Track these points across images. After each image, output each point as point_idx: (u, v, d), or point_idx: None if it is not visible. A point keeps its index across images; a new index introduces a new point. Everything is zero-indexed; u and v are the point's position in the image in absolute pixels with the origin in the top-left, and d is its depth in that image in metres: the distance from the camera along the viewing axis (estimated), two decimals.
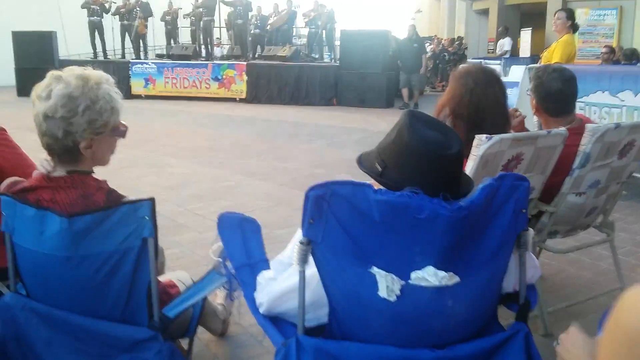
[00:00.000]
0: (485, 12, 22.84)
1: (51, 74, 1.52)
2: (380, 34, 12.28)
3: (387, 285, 1.22)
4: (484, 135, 1.90)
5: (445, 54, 18.96)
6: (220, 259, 1.66)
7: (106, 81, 1.58)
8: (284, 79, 12.66)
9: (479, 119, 2.02)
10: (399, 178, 1.25)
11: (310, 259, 1.28)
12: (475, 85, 2.03)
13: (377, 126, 8.82)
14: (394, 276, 1.21)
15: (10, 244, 1.57)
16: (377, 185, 1.25)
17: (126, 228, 1.48)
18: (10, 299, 1.60)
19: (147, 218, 1.49)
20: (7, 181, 1.66)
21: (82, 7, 14.18)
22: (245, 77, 12.80)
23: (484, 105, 2.03)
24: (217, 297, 2.31)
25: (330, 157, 6.43)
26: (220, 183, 5.16)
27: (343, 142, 7.43)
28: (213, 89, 13.03)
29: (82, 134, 1.48)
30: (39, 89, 1.50)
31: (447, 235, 1.17)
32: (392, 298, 1.22)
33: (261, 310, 1.43)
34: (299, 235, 1.48)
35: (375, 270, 1.21)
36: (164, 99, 12.75)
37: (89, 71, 1.56)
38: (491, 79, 2.09)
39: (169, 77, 13.28)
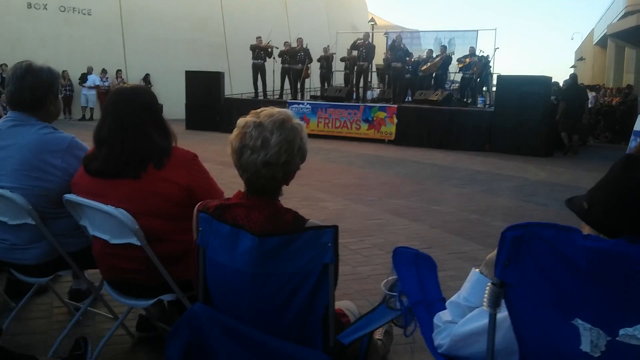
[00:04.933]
0: None
1: (245, 122, 1.61)
2: (540, 80, 11.70)
3: (591, 340, 1.11)
4: None
5: (612, 103, 17.51)
6: (395, 293, 1.64)
7: (292, 116, 1.68)
8: (434, 122, 12.57)
9: None
10: (607, 219, 1.15)
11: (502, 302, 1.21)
12: None
13: (537, 175, 8.33)
14: (600, 331, 1.10)
15: (203, 257, 1.69)
16: (585, 230, 1.15)
17: (310, 252, 1.53)
18: (199, 308, 1.71)
19: (329, 244, 1.53)
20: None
21: (251, 49, 15.49)
22: (395, 120, 12.94)
23: None
24: (376, 332, 2.29)
25: (484, 203, 6.17)
26: (370, 220, 5.20)
27: (498, 189, 7.11)
28: (363, 129, 13.35)
29: (294, 170, 1.61)
30: (245, 139, 1.58)
31: None
32: (596, 354, 1.11)
33: (440, 351, 1.38)
34: (474, 276, 1.42)
35: (579, 322, 1.11)
36: (317, 137, 13.35)
37: (276, 110, 1.65)
38: None
39: (322, 117, 13.89)
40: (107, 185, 1.98)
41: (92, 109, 17.71)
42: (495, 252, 1.27)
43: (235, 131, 1.63)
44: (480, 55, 14.60)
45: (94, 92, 17.54)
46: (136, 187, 1.95)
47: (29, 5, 17.02)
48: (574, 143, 11.98)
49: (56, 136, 2.22)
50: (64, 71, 16.83)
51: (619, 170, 1.17)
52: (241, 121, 1.63)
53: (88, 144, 2.32)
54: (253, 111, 1.66)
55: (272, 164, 1.55)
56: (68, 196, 2.04)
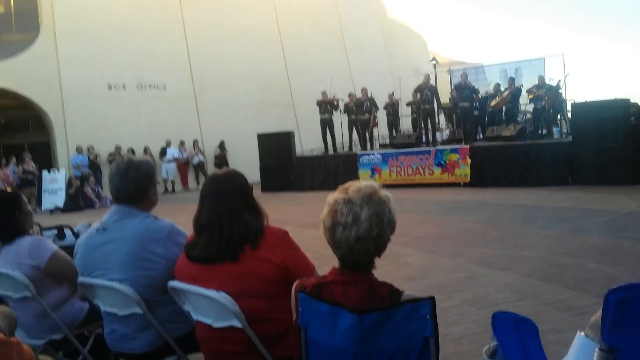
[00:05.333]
0: None
1: (335, 199, 1.67)
2: (618, 103, 11.22)
3: None
4: None
5: None
6: None
7: (379, 188, 1.72)
8: (510, 159, 12.26)
9: None
10: None
11: None
12: None
13: (627, 206, 7.87)
14: None
15: (305, 338, 1.73)
16: None
17: (409, 326, 1.55)
18: None
19: (428, 317, 1.54)
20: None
21: (317, 104, 15.85)
22: (469, 161, 12.74)
23: None
24: None
25: (575, 243, 5.88)
26: (457, 274, 5.07)
27: (587, 226, 6.76)
28: (437, 174, 13.21)
29: (386, 242, 1.65)
30: (336, 216, 1.64)
31: None
32: None
33: None
34: (580, 341, 1.38)
35: None
36: (391, 187, 13.30)
37: (363, 185, 1.70)
38: None
39: (393, 166, 13.90)
40: (208, 270, 2.08)
41: (173, 182, 18.23)
42: (600, 312, 1.24)
43: (326, 209, 1.69)
44: (549, 84, 14.21)
45: (173, 164, 18.13)
46: (235, 269, 2.05)
47: (109, 87, 18.14)
48: None
49: (158, 225, 2.37)
50: (146, 147, 17.86)
51: None
52: (331, 198, 1.69)
53: (172, 218, 2.48)
54: (341, 187, 1.72)
55: (365, 238, 1.60)
56: (172, 283, 2.16)
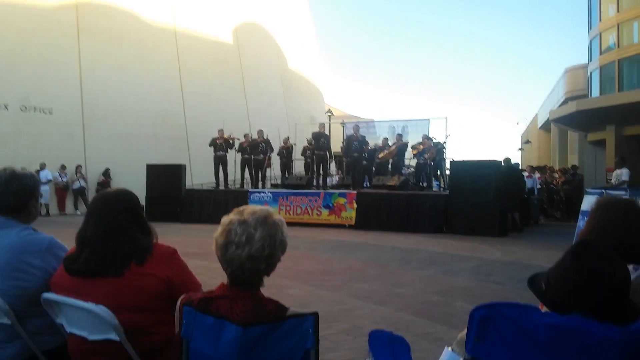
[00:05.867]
0: (601, 143, 22.44)
1: (230, 220, 1.72)
2: (491, 164, 12.40)
3: None
4: (631, 266, 1.88)
5: (555, 183, 18.57)
6: None
7: (273, 212, 1.81)
8: (392, 206, 12.96)
9: (623, 250, 2.01)
10: (561, 302, 1.30)
11: None
12: (617, 218, 2.04)
13: (492, 254, 8.60)
14: None
15: (187, 349, 1.74)
16: (543, 308, 1.30)
17: (292, 339, 1.62)
18: None
19: (310, 331, 1.63)
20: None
21: (210, 145, 15.83)
22: (355, 205, 13.27)
23: (629, 237, 2.02)
24: None
25: (445, 284, 6.33)
26: (336, 306, 5.23)
27: (457, 270, 7.31)
28: (324, 215, 13.60)
29: (276, 262, 1.72)
30: (230, 235, 1.69)
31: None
32: None
33: None
34: (447, 355, 1.53)
35: None
36: None
37: (258, 208, 1.77)
38: (633, 209, 2.09)
39: (283, 205, 14.10)
40: (87, 284, 2.02)
41: (47, 205, 17.28)
42: (465, 331, 1.40)
43: (220, 228, 1.73)
44: (436, 141, 15.33)
45: (47, 187, 17.14)
46: (117, 284, 2.00)
47: None
48: (515, 221, 12.59)
49: (36, 237, 2.27)
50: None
51: (570, 259, 1.35)
52: (225, 219, 1.73)
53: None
54: (236, 209, 1.77)
55: (256, 257, 1.66)
56: (47, 295, 2.07)
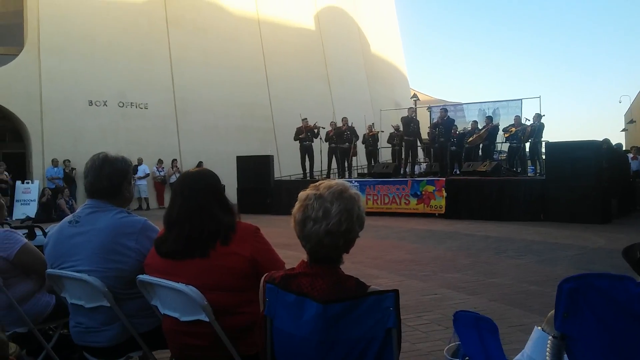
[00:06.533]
0: None
1: (306, 195, 1.72)
2: (591, 145, 11.57)
3: None
4: None
5: None
6: (458, 359, 1.66)
7: (350, 187, 1.78)
8: (484, 193, 12.48)
9: None
10: None
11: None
12: None
13: (595, 242, 8.04)
14: None
15: (270, 327, 1.76)
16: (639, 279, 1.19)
17: (373, 316, 1.59)
18: None
19: (391, 309, 1.59)
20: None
21: (295, 139, 16.04)
22: (444, 193, 12.92)
23: None
24: None
25: (542, 274, 5.99)
26: (427, 295, 5.13)
27: (556, 259, 6.90)
28: (412, 204, 13.36)
29: (354, 238, 1.70)
30: (307, 210, 1.69)
31: None
32: None
33: None
34: (536, 334, 1.44)
35: None
36: (366, 214, 13.36)
37: (334, 182, 1.75)
38: None
39: (370, 194, 14.01)
40: (177, 265, 2.09)
41: (146, 199, 18.17)
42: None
43: (297, 204, 1.73)
44: (531, 123, 14.50)
45: (144, 182, 17.99)
46: (205, 264, 2.07)
47: (90, 103, 18.05)
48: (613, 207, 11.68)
49: (130, 219, 2.38)
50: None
51: None
52: (302, 194, 1.73)
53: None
54: (312, 184, 1.77)
55: (334, 232, 1.65)
56: (141, 277, 2.17)
